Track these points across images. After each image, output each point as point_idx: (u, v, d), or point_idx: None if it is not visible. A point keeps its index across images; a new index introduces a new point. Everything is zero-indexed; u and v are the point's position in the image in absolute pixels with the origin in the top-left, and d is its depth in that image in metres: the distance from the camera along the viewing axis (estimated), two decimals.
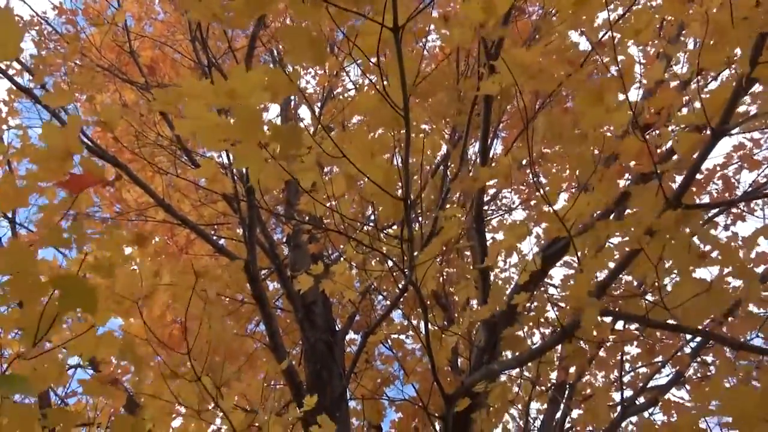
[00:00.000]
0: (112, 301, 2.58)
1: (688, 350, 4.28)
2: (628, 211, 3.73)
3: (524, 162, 5.11)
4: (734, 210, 4.49)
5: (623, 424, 4.14)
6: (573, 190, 3.74)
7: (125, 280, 2.65)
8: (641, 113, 2.67)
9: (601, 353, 4.48)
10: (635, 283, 4.34)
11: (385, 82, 1.82)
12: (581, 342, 2.95)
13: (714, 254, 2.24)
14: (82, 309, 1.37)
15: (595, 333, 3.14)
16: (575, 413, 4.70)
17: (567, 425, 4.63)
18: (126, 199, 5.36)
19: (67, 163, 1.60)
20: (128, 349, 1.90)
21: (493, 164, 3.55)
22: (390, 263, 3.00)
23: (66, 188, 1.68)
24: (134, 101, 5.66)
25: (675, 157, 2.96)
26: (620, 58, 2.46)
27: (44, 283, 1.51)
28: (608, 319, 3.67)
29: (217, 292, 4.03)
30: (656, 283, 2.24)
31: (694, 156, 2.27)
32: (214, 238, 5.01)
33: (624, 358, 4.02)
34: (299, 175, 2.10)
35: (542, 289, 5.22)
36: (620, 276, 4.15)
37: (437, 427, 3.51)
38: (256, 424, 3.96)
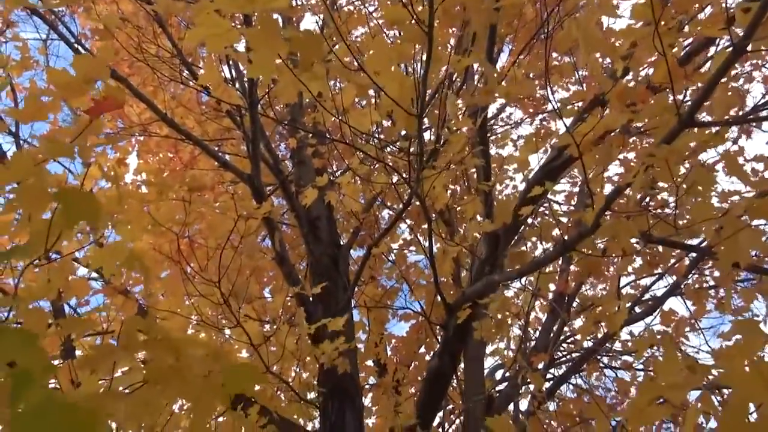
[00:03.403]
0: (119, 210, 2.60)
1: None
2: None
3: (531, 75, 5.02)
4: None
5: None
6: (581, 103, 3.68)
7: (132, 192, 2.66)
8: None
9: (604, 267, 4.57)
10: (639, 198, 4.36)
11: None
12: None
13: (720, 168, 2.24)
14: (86, 220, 1.38)
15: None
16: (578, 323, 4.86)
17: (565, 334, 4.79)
18: (128, 114, 5.30)
19: (90, 88, 1.58)
20: (136, 259, 1.94)
21: (504, 78, 3.49)
22: (396, 176, 3.00)
23: (88, 114, 1.68)
24: (133, 12, 5.47)
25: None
26: None
27: (49, 194, 1.52)
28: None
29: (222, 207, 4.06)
30: (660, 198, 2.25)
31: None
32: (219, 154, 4.99)
33: (624, 270, 4.10)
34: (310, 85, 2.06)
35: (546, 204, 5.25)
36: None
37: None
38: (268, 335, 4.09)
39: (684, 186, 2.15)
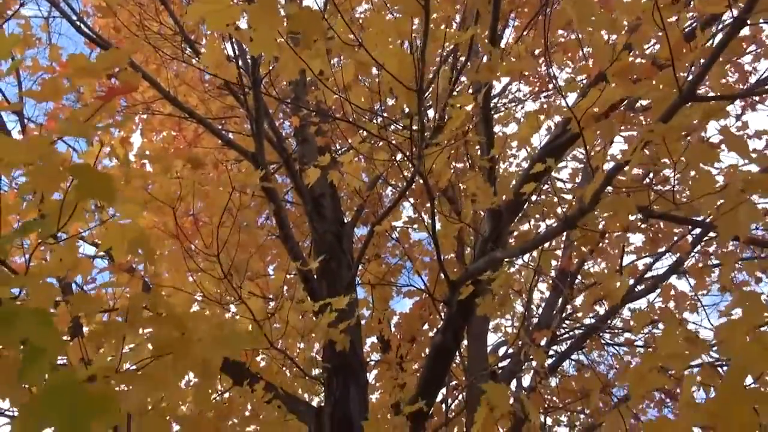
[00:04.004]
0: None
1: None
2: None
3: (536, 52, 4.99)
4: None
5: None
6: (585, 79, 3.67)
7: (136, 170, 2.68)
8: None
9: (604, 244, 4.58)
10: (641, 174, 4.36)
11: None
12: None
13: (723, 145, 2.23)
14: (99, 197, 1.40)
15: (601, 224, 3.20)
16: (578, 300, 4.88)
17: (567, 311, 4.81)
18: (131, 92, 5.29)
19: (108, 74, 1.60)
20: (140, 240, 1.96)
21: (507, 54, 3.47)
22: (398, 154, 3.01)
23: (104, 98, 1.70)
24: None
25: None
26: None
27: (62, 172, 1.54)
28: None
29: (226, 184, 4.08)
30: (662, 174, 2.26)
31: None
32: (222, 132, 4.99)
33: (626, 248, 4.11)
34: (311, 63, 2.06)
35: (549, 182, 5.26)
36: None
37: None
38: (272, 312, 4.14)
39: (683, 160, 2.15)
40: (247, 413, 3.77)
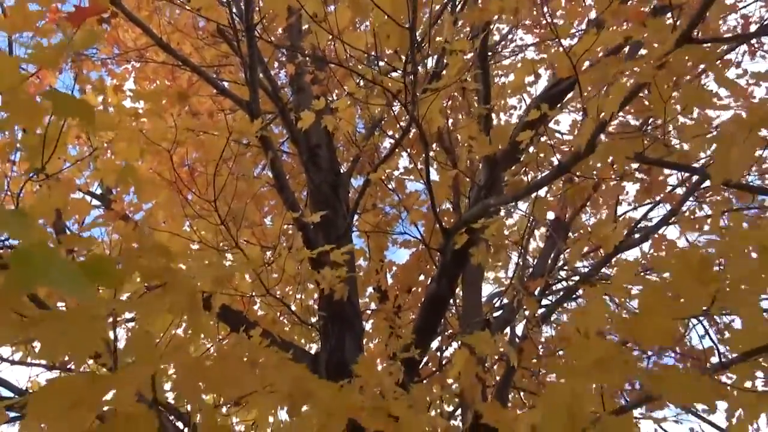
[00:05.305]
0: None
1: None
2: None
3: None
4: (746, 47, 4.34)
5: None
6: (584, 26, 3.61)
7: (128, 110, 2.65)
8: None
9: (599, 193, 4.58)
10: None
11: None
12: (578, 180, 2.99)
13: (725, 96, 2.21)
14: (79, 119, 1.36)
15: (595, 173, 3.20)
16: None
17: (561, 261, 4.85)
18: (124, 39, 5.21)
19: None
20: (129, 173, 1.95)
21: None
22: (393, 101, 2.98)
23: (69, 21, 1.64)
24: None
25: None
26: None
27: (40, 105, 1.50)
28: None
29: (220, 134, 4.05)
30: (659, 121, 2.24)
31: None
32: (217, 81, 4.93)
33: (620, 198, 4.12)
34: (306, 4, 2.02)
35: (546, 131, 5.23)
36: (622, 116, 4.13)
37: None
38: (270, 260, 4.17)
39: (678, 108, 2.14)
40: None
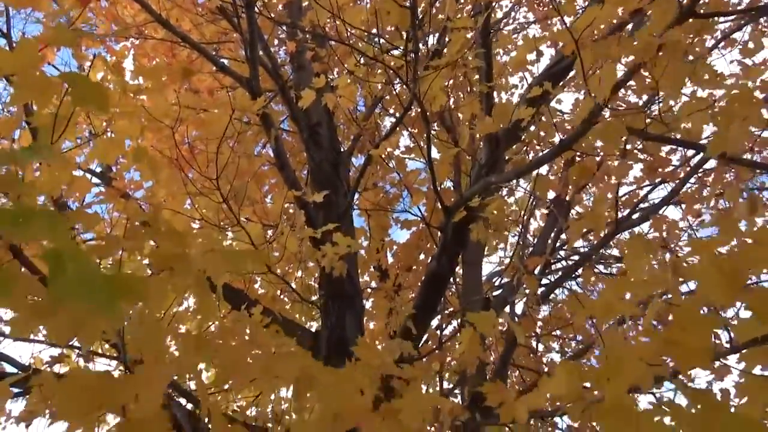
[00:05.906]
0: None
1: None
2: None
3: None
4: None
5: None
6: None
7: (130, 86, 2.64)
8: None
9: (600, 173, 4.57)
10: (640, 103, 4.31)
11: None
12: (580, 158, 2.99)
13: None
14: (93, 105, 1.37)
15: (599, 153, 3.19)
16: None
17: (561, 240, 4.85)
18: (122, 16, 5.17)
19: None
20: (142, 154, 1.95)
21: None
22: (394, 78, 2.97)
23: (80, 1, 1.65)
24: None
25: None
26: None
27: (53, 83, 1.51)
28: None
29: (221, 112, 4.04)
30: (657, 98, 2.23)
31: None
32: (217, 58, 4.89)
33: (624, 178, 4.11)
34: None
35: (548, 109, 5.21)
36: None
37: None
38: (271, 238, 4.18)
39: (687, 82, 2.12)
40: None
